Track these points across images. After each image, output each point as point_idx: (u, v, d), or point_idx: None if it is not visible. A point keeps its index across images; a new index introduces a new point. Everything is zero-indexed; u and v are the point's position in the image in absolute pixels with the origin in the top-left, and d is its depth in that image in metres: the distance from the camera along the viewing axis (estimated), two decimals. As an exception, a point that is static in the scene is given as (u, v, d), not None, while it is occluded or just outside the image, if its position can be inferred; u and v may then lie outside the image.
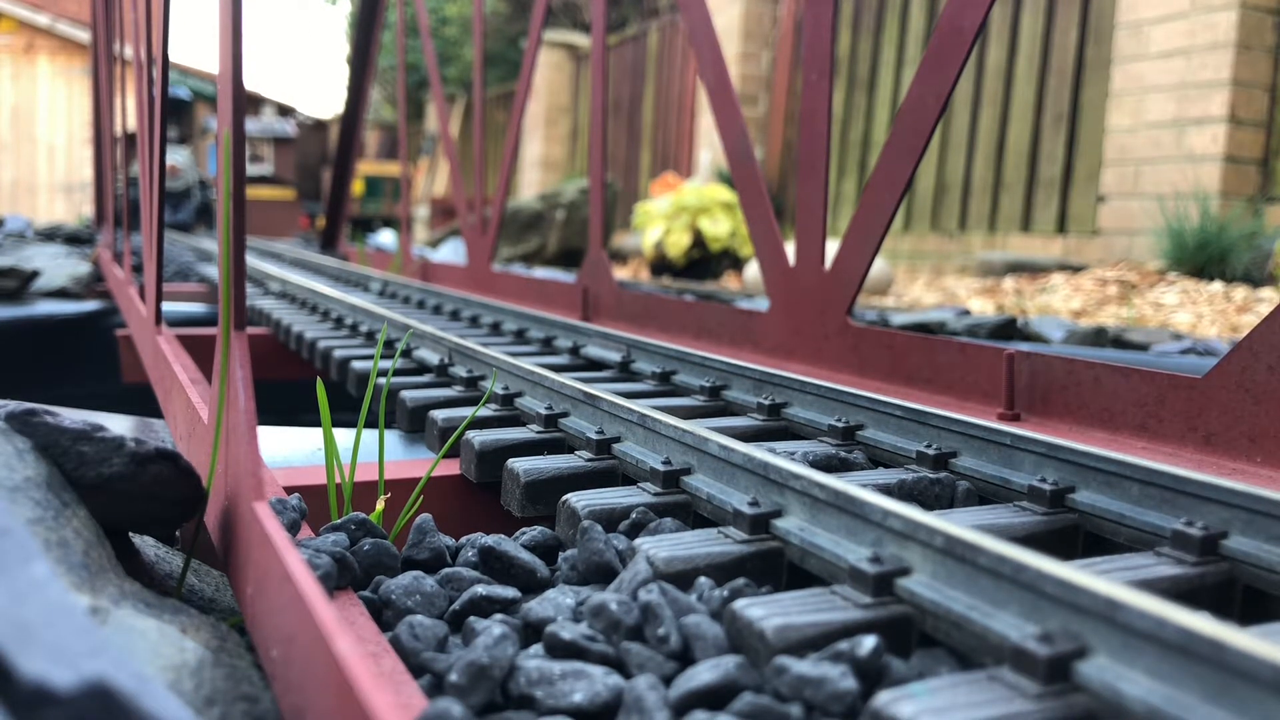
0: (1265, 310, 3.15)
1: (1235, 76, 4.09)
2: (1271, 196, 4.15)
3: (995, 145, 5.40)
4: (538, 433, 0.91)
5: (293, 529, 0.65)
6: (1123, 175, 4.55)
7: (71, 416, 0.63)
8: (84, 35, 11.65)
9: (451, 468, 0.89)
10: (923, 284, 4.88)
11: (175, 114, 6.66)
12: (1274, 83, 4.18)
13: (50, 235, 4.02)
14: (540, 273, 4.67)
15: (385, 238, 6.54)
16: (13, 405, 0.62)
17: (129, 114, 2.25)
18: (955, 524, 0.51)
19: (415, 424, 1.05)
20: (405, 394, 1.07)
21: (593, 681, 0.45)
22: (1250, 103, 4.15)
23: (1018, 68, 5.29)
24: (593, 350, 1.38)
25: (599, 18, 1.94)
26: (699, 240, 5.33)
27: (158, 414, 1.20)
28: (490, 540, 0.64)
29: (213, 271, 2.89)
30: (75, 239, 3.97)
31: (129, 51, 1.81)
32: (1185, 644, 0.38)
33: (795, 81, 6.89)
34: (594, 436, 0.84)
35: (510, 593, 0.58)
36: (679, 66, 8.50)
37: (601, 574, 0.61)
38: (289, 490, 0.78)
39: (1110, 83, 4.63)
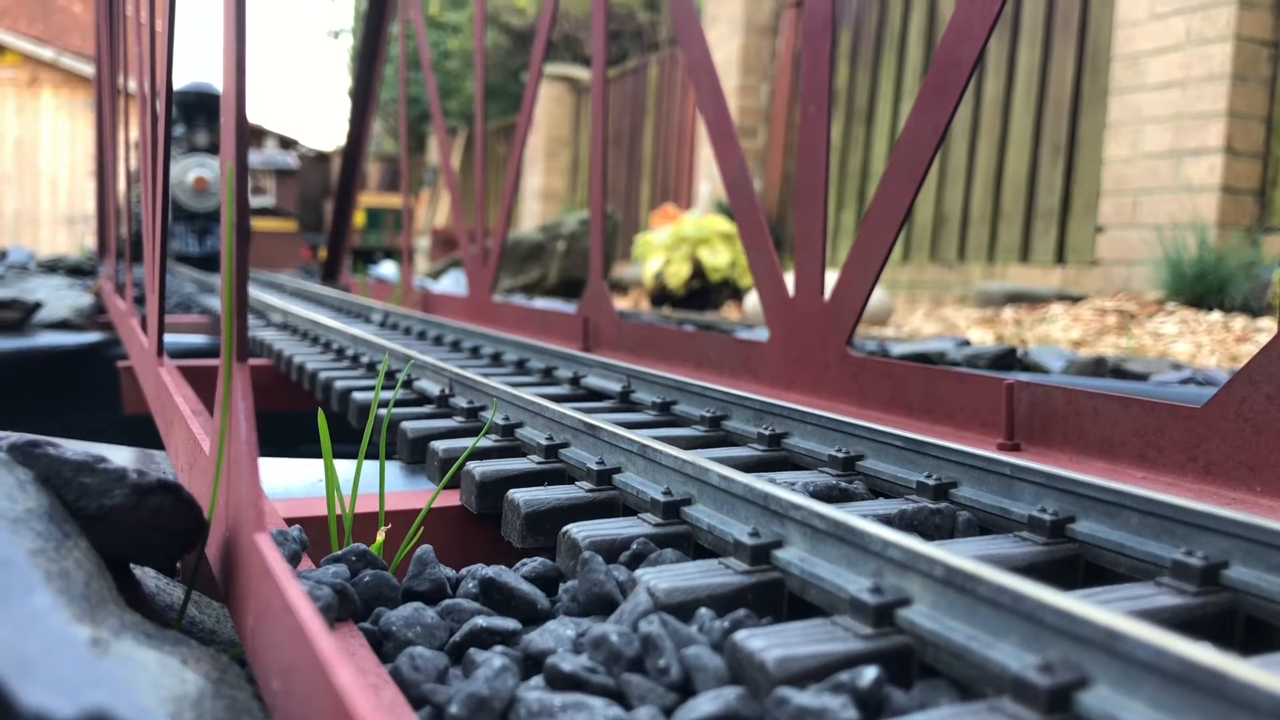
0: (1264, 340, 3.16)
1: (1231, 108, 4.13)
2: (1269, 227, 4.17)
3: (993, 176, 5.43)
4: (538, 463, 0.91)
5: (293, 560, 0.65)
6: (1121, 206, 4.58)
7: (73, 448, 0.63)
8: (88, 69, 11.76)
9: (452, 499, 0.89)
10: (922, 314, 4.89)
11: (207, 115, 5.72)
12: (1270, 114, 4.21)
13: (53, 267, 4.04)
14: (541, 303, 4.68)
15: (386, 269, 6.56)
16: (15, 437, 0.63)
17: (132, 147, 2.27)
18: (955, 554, 0.51)
19: (416, 455, 1.05)
20: (406, 425, 1.07)
21: (593, 713, 0.45)
22: (1246, 134, 4.18)
23: (1015, 99, 5.33)
24: (593, 380, 1.39)
25: (599, 51, 1.96)
26: (699, 271, 5.35)
27: (159, 445, 1.20)
28: (491, 571, 0.64)
29: (215, 303, 2.90)
30: (78, 271, 3.99)
31: (133, 85, 1.83)
32: (1186, 674, 0.38)
33: (794, 114, 6.95)
34: (594, 467, 0.84)
35: (511, 624, 0.58)
36: (678, 99, 8.57)
37: (602, 605, 0.61)
38: (290, 521, 0.78)
39: (1107, 114, 4.67)
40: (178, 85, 5.33)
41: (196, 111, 5.65)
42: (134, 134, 2.08)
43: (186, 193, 5.37)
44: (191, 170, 5.40)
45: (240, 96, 0.64)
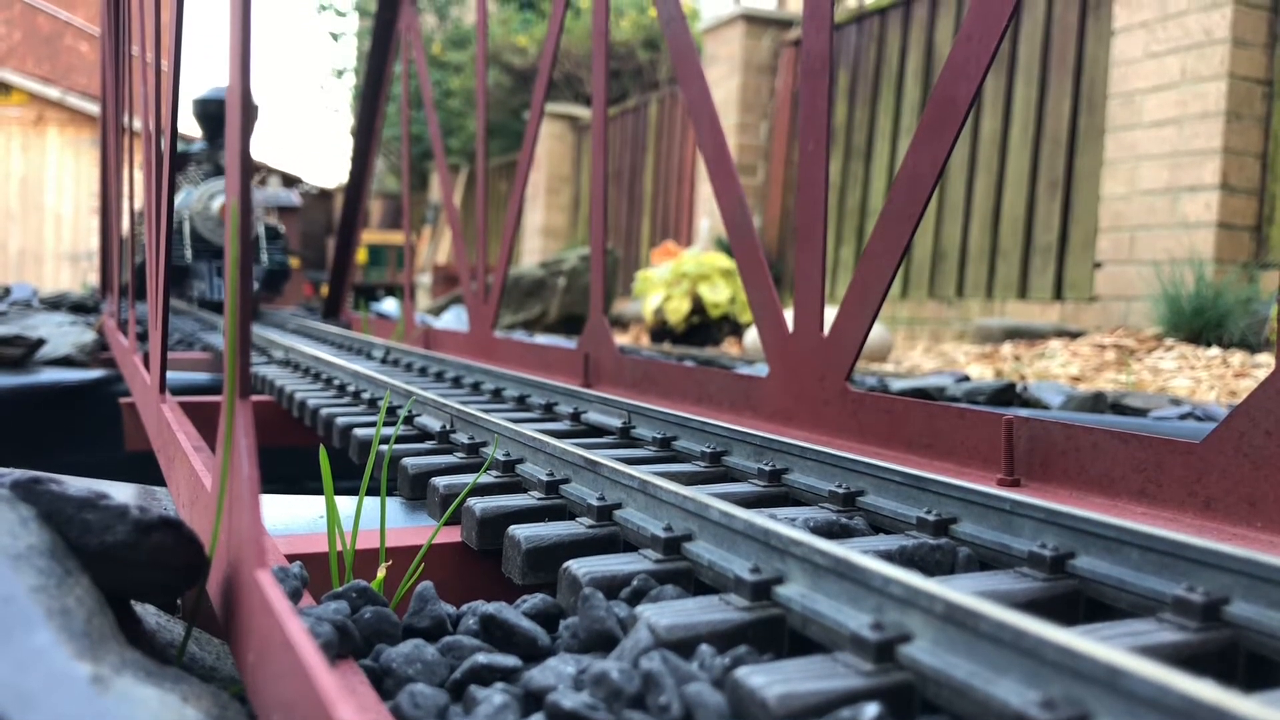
0: (1262, 375, 3.16)
1: (1226, 145, 4.16)
2: (1266, 263, 4.19)
3: (991, 212, 5.46)
4: (539, 499, 0.91)
5: (294, 597, 0.65)
6: (1118, 241, 4.60)
7: (75, 484, 0.63)
8: (93, 107, 11.88)
9: (453, 535, 0.89)
10: (921, 349, 4.89)
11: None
12: (1265, 151, 4.25)
13: (56, 304, 4.06)
14: (542, 339, 4.69)
15: (388, 305, 6.58)
16: (17, 474, 0.63)
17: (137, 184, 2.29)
18: (956, 590, 0.51)
19: (417, 491, 1.05)
20: (407, 461, 1.08)
21: (594, 751, 0.45)
22: (1242, 170, 4.21)
23: (1012, 136, 5.37)
24: (594, 416, 1.39)
25: (600, 90, 1.98)
26: (699, 306, 5.37)
27: (161, 482, 1.20)
28: (491, 608, 0.64)
29: (217, 340, 2.91)
30: (80, 307, 4.00)
31: (138, 123, 1.85)
32: (1189, 711, 0.38)
33: (793, 151, 7.00)
34: (595, 503, 0.84)
35: (511, 661, 0.58)
36: (678, 137, 8.64)
37: (603, 642, 0.61)
38: (291, 558, 0.78)
39: (1104, 151, 4.70)
40: (199, 93, 4.74)
41: (221, 124, 4.54)
42: (140, 171, 2.10)
43: (210, 224, 4.33)
44: (216, 197, 4.37)
45: (245, 134, 0.65)
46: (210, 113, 4.60)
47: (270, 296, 4.73)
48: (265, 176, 4.53)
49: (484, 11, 2.63)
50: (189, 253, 4.19)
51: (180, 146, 4.07)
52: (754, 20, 7.27)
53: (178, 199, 4.10)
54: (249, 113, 0.67)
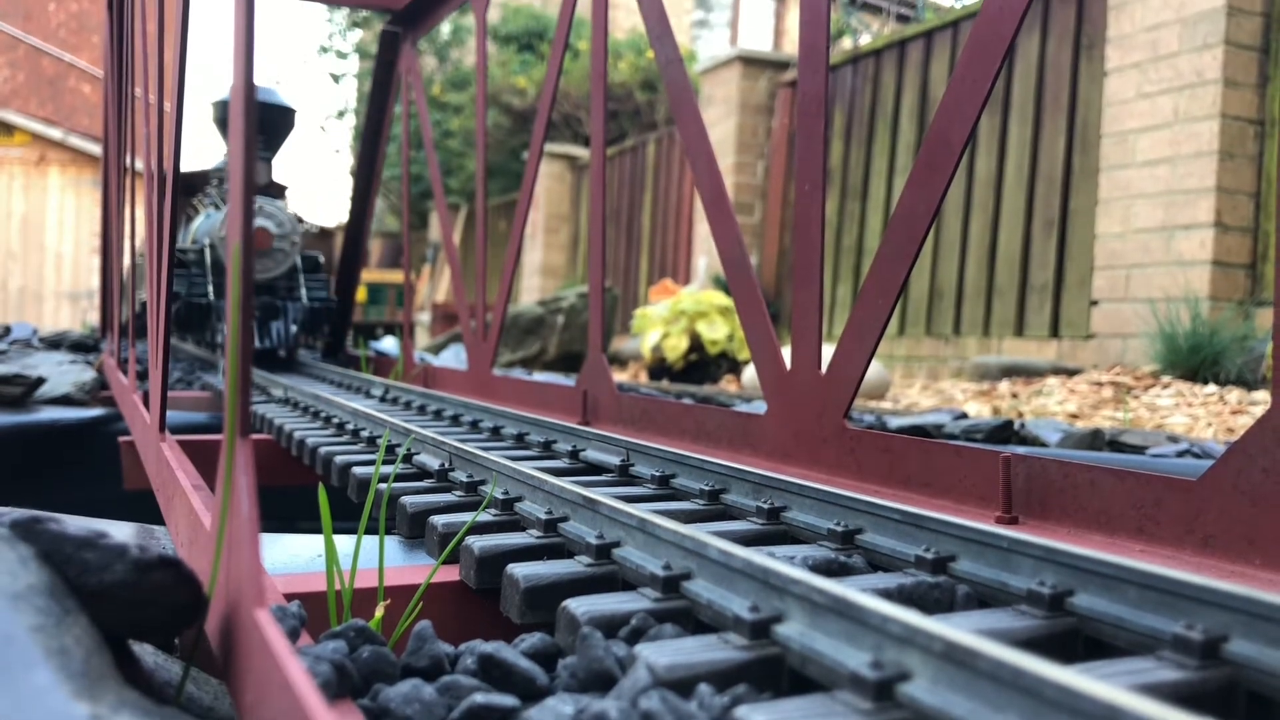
0: (1259, 412, 3.17)
1: (1219, 183, 4.20)
2: (1260, 300, 4.21)
3: (987, 251, 5.49)
4: (537, 538, 0.91)
5: (293, 636, 0.65)
6: (1114, 280, 4.62)
7: (75, 523, 0.63)
8: (95, 148, 11.96)
9: (451, 574, 0.89)
10: (919, 387, 4.90)
11: (268, 135, 3.69)
12: (1258, 189, 4.29)
13: (56, 343, 4.06)
14: (540, 376, 4.70)
15: (387, 343, 6.59)
16: (17, 513, 0.63)
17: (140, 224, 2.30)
18: (955, 628, 0.51)
19: (415, 529, 1.05)
20: (406, 499, 1.08)
21: (593, 791, 0.45)
22: (1235, 209, 4.24)
23: (1007, 176, 5.42)
24: (592, 454, 1.39)
25: (598, 130, 2.00)
26: (697, 344, 5.38)
27: (159, 521, 1.20)
28: (489, 647, 0.64)
29: (216, 379, 2.91)
30: (80, 346, 4.01)
31: (140, 164, 1.87)
32: (1186, 748, 0.38)
33: (789, 190, 7.06)
34: (594, 541, 0.84)
35: (509, 701, 0.57)
36: (676, 176, 8.71)
37: (601, 681, 0.61)
38: (289, 597, 0.78)
39: (1098, 190, 4.74)
40: (221, 94, 3.90)
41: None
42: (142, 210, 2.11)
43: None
44: None
45: (249, 178, 0.66)
46: None
47: (311, 341, 3.81)
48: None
49: (483, 54, 2.67)
50: (211, 289, 3.29)
51: (197, 167, 3.95)
52: (750, 62, 7.35)
53: (196, 224, 3.60)
54: (251, 156, 0.68)
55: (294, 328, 3.33)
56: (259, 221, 3.44)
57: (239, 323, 0.65)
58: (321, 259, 3.70)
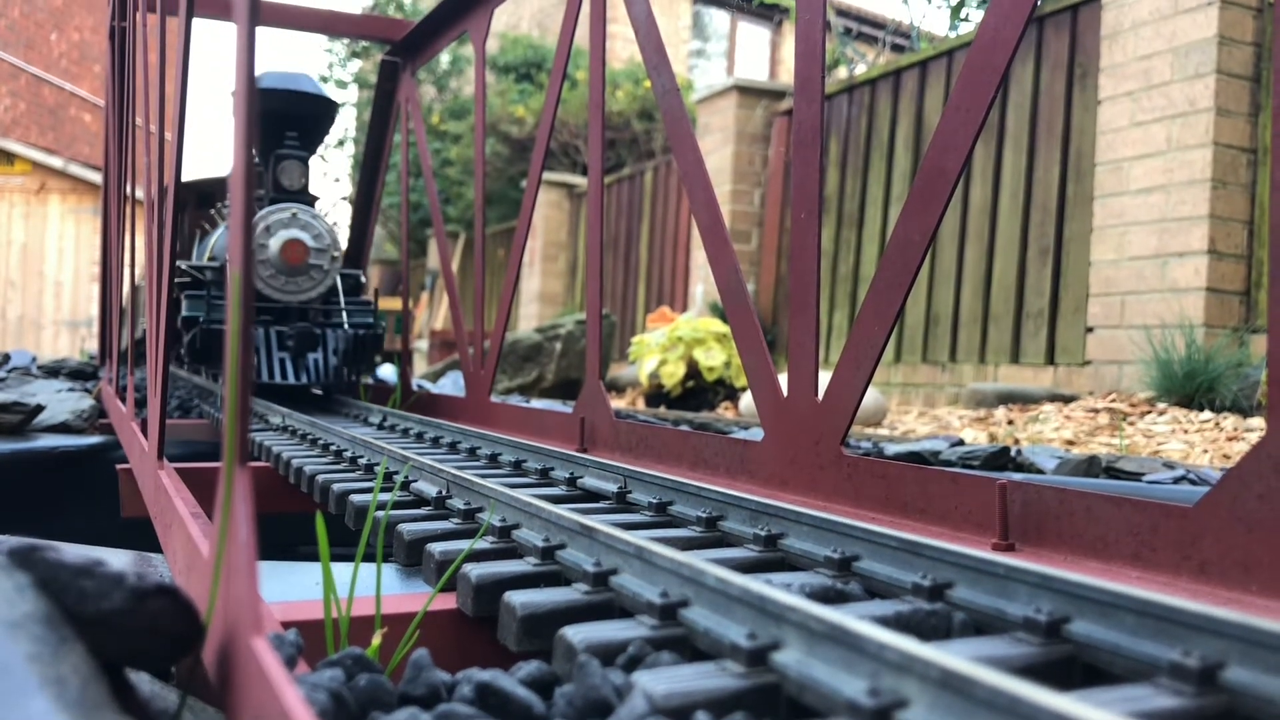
0: (1255, 438, 3.17)
1: (1213, 211, 4.22)
2: (1255, 327, 4.23)
3: (983, 278, 5.51)
4: (535, 565, 0.91)
5: (290, 664, 0.65)
6: (1109, 307, 4.64)
7: (72, 551, 0.63)
8: (95, 176, 12.01)
9: (449, 601, 0.89)
10: (916, 414, 4.90)
11: (304, 130, 2.98)
12: (1251, 217, 4.31)
13: (55, 370, 4.06)
14: (538, 403, 4.69)
15: (385, 371, 6.59)
16: (14, 541, 0.63)
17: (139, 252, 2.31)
18: (952, 655, 0.51)
19: (413, 557, 1.05)
20: (403, 527, 1.08)
21: (590, 819, 0.45)
22: (1229, 236, 4.27)
23: (1002, 204, 5.45)
24: (590, 481, 1.39)
25: (596, 159, 2.02)
26: (694, 371, 5.39)
27: (157, 548, 1.20)
28: (486, 676, 0.64)
29: (213, 407, 2.90)
30: (79, 374, 4.00)
31: (140, 192, 1.88)
32: (1181, 775, 0.38)
33: (785, 218, 7.09)
34: (591, 569, 0.84)
35: (507, 729, 0.57)
36: (673, 204, 8.75)
37: (598, 710, 0.61)
38: (286, 625, 0.78)
39: (1093, 218, 4.77)
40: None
41: (283, 124, 2.93)
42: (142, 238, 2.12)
43: (271, 271, 2.78)
44: (276, 232, 2.78)
45: (248, 206, 0.66)
46: (269, 109, 2.91)
47: (355, 375, 3.06)
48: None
49: (482, 83, 2.69)
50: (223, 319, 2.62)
51: (215, 174, 3.88)
52: (747, 91, 7.41)
53: (214, 238, 3.16)
54: (250, 184, 0.68)
55: (334, 359, 2.82)
56: (293, 233, 2.79)
57: (238, 349, 0.65)
58: (364, 278, 3.18)
